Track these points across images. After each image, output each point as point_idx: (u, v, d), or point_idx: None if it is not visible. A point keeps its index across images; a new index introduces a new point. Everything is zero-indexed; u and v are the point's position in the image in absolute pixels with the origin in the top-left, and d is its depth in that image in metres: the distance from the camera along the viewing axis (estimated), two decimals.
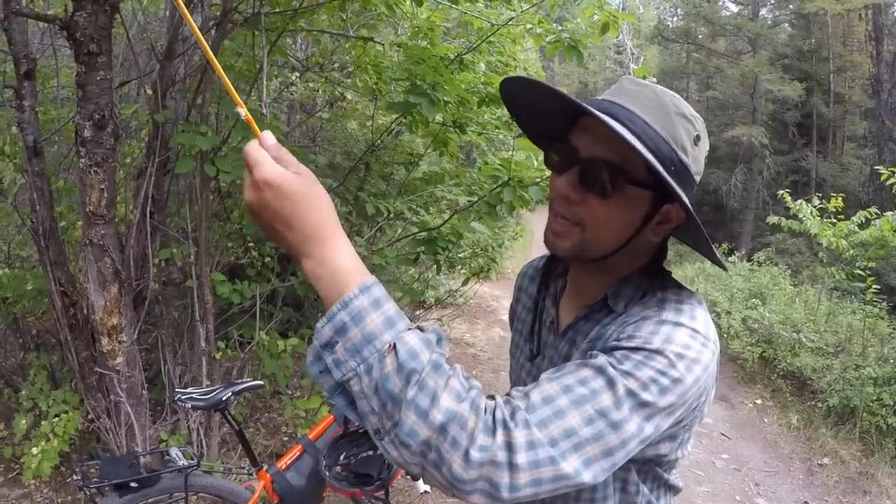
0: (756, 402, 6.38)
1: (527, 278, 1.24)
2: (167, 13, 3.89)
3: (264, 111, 2.82)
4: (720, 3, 26.04)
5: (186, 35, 3.53)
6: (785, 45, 22.81)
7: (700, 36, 25.56)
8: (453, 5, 3.62)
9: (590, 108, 0.83)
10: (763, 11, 24.42)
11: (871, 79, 20.29)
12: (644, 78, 1.00)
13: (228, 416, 2.55)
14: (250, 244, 4.50)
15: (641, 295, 0.95)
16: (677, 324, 0.84)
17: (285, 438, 4.49)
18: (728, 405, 6.33)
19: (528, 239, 13.70)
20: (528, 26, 3.46)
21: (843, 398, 5.61)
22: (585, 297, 1.02)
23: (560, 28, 3.32)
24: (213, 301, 3.43)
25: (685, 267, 13.91)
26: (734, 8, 25.72)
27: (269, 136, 0.76)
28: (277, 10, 3.24)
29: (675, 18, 27.61)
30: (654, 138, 0.86)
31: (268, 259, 4.27)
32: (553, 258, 1.16)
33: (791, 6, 23.01)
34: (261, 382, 2.64)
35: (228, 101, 2.94)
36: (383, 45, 4.03)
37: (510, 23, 3.43)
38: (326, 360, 0.73)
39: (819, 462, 5.08)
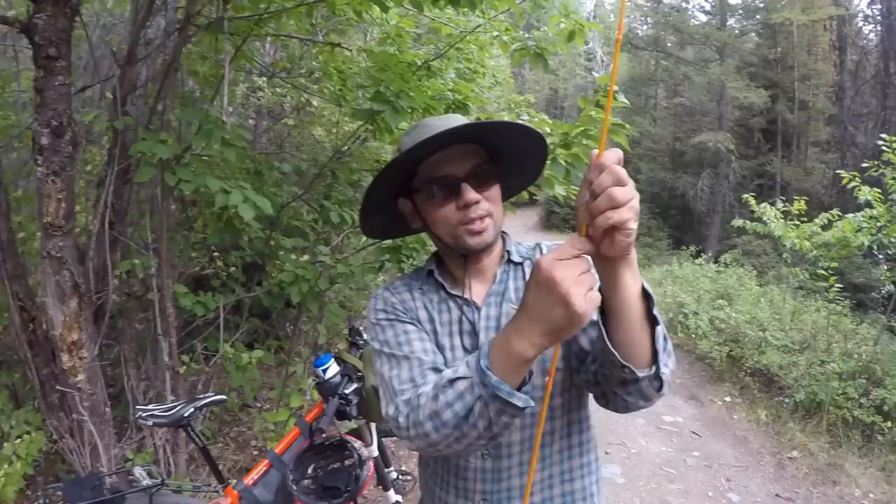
0: (725, 399, 6.45)
1: (411, 294, 1.39)
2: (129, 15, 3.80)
3: (224, 117, 2.75)
4: (689, 13, 26.47)
5: (150, 38, 3.45)
6: (751, 53, 23.21)
7: (669, 44, 25.93)
8: (420, 11, 3.59)
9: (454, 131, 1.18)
10: (731, 21, 24.83)
11: (834, 86, 20.86)
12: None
13: (192, 433, 2.47)
14: (215, 254, 4.40)
15: (523, 248, 1.42)
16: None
17: (255, 452, 4.39)
18: (698, 403, 6.39)
19: None
20: (495, 33, 3.45)
21: (810, 393, 5.70)
22: (489, 273, 1.37)
23: (526, 36, 3.31)
24: (175, 314, 3.34)
25: (653, 269, 14.02)
26: (703, 17, 26.14)
27: None
28: (242, 15, 3.18)
29: (645, 27, 27.95)
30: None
31: (233, 269, 4.18)
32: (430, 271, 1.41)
33: (758, 16, 23.45)
34: (223, 397, 2.56)
35: (191, 108, 2.87)
36: (351, 50, 3.98)
37: (478, 30, 3.42)
38: None
39: (788, 455, 5.14)
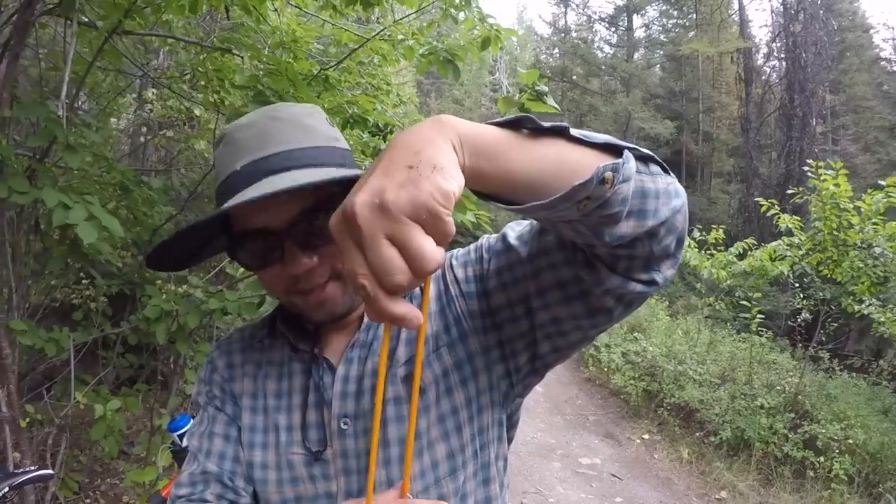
0: (643, 437, 6.26)
1: (242, 354, 1.01)
2: None
3: (61, 112, 2.26)
4: (595, 45, 27.47)
5: None
6: (657, 85, 24.32)
7: (575, 76, 26.75)
8: (319, 16, 3.25)
9: (246, 195, 0.77)
10: (637, 54, 25.95)
11: (739, 118, 21.94)
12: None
13: None
14: (84, 280, 3.81)
15: None
16: None
17: None
18: (615, 442, 6.16)
19: None
20: (400, 37, 3.13)
21: (736, 429, 5.59)
22: (352, 318, 0.94)
23: (435, 41, 3.01)
24: (13, 355, 2.78)
25: None
26: (609, 50, 27.21)
27: None
28: None
29: (552, 59, 28.75)
30: (319, 155, 0.84)
31: (98, 301, 3.60)
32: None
33: (662, 50, 24.61)
34: (50, 472, 2.01)
35: (26, 104, 2.37)
36: (243, 57, 3.58)
37: (379, 34, 3.09)
38: None
39: (717, 496, 4.95)
